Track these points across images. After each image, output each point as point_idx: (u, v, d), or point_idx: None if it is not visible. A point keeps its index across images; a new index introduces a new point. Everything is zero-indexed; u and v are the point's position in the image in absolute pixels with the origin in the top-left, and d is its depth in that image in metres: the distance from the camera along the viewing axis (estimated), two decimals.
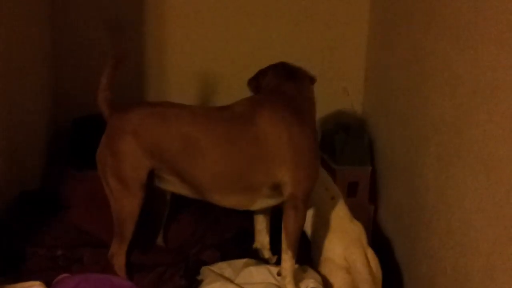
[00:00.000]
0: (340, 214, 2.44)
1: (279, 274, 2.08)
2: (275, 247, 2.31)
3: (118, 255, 2.05)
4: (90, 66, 3.33)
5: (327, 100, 3.47)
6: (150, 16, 3.33)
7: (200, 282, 2.07)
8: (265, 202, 2.13)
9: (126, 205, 2.03)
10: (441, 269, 2.40)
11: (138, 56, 3.36)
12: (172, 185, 2.12)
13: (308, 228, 2.45)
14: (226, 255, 2.21)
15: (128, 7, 3.32)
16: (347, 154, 3.10)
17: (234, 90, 3.35)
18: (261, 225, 2.36)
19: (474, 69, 2.17)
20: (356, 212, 2.65)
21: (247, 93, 3.34)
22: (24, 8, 2.72)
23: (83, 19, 3.29)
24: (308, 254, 2.41)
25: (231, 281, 2.04)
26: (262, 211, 2.34)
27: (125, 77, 3.34)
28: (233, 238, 2.36)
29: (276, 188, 2.05)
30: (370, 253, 2.38)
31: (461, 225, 2.24)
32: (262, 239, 2.37)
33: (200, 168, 2.02)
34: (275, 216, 2.32)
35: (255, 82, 2.40)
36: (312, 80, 2.37)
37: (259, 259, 2.27)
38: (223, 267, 2.14)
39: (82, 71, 3.33)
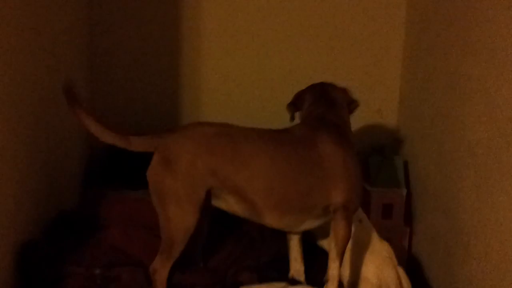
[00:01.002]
0: (370, 235, 2.44)
1: (325, 280, 2.13)
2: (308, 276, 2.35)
3: (162, 272, 2.07)
4: (126, 87, 3.39)
5: (362, 122, 3.47)
6: (186, 37, 3.38)
7: None
8: (312, 222, 2.19)
9: (181, 224, 2.04)
10: None
11: (173, 79, 3.41)
12: (228, 204, 2.14)
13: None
14: (263, 279, 2.21)
15: (164, 28, 3.38)
16: (382, 176, 3.08)
17: (269, 111, 3.39)
18: (296, 252, 2.37)
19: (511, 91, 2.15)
20: (391, 235, 2.64)
21: (281, 115, 3.38)
22: (65, 35, 2.78)
23: (120, 41, 3.35)
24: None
25: None
26: (297, 239, 2.36)
27: (160, 99, 3.42)
28: (270, 262, 2.36)
29: (327, 209, 2.12)
30: (401, 272, 2.36)
31: (499, 250, 2.21)
32: (298, 267, 2.37)
33: (263, 189, 2.06)
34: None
35: (293, 106, 2.48)
36: (352, 104, 2.45)
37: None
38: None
39: (118, 92, 3.39)
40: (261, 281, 2.20)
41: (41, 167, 2.38)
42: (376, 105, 3.49)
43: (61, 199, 2.66)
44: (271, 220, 2.12)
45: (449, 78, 2.75)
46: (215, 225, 2.40)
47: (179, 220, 2.04)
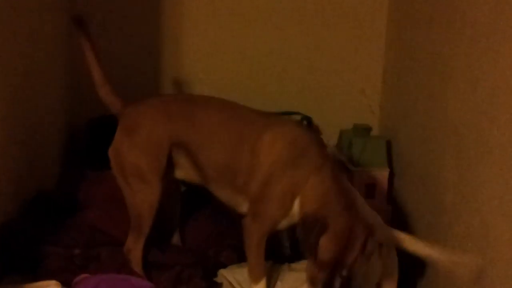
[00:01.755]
0: None
1: None
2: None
3: (135, 250, 2.05)
4: (106, 66, 3.34)
5: (345, 102, 3.46)
6: (166, 14, 3.33)
7: (219, 285, 2.06)
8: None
9: (145, 198, 2.03)
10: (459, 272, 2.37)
11: (155, 55, 3.37)
12: (184, 171, 2.13)
13: None
14: (244, 258, 2.20)
15: (144, 4, 3.33)
16: (365, 156, 3.07)
17: (250, 91, 3.37)
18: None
19: (495, 70, 2.14)
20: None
21: (262, 94, 3.37)
22: (42, 6, 2.72)
23: (99, 18, 3.29)
24: None
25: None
26: None
27: (141, 79, 3.37)
28: None
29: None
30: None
31: (481, 229, 2.21)
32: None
33: (207, 156, 2.05)
34: None
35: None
36: None
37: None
38: (240, 270, 2.13)
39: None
40: (241, 260, 2.18)
41: (19, 147, 2.35)
42: (360, 85, 3.47)
43: (40, 179, 2.63)
44: (214, 190, 2.11)
45: (432, 57, 2.73)
46: (194, 206, 2.39)
47: (143, 193, 2.04)
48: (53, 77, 2.96)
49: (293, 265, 2.24)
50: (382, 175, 3.10)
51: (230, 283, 2.08)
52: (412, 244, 2.34)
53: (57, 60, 3.04)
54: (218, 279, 2.12)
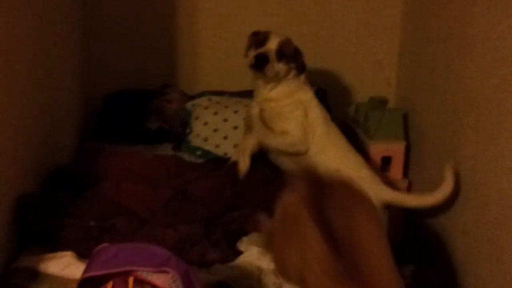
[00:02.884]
0: None
1: None
2: None
3: None
4: (120, 42, 3.34)
5: (361, 74, 3.43)
6: (179, 17, 3.34)
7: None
8: None
9: None
10: (476, 244, 2.36)
11: (170, 27, 3.35)
12: None
13: None
14: None
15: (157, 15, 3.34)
16: (381, 129, 3.05)
17: None
18: None
19: None
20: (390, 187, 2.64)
21: None
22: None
23: (115, 8, 3.29)
24: None
25: None
26: None
27: (157, 49, 3.37)
28: None
29: None
30: None
31: (499, 199, 2.20)
32: None
33: None
34: None
35: None
36: None
37: None
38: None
39: (112, 48, 3.34)
40: None
41: (36, 122, 2.36)
42: (376, 57, 3.44)
43: (58, 153, 2.65)
44: None
45: (450, 28, 2.69)
46: None
47: None
48: (68, 51, 2.97)
49: None
50: (398, 147, 3.08)
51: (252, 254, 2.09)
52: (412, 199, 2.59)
53: (71, 36, 3.04)
54: (241, 246, 2.13)
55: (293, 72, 2.68)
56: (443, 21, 2.78)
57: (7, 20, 2.04)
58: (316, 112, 2.67)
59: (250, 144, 2.58)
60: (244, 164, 2.54)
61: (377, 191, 2.50)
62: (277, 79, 2.64)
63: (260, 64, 2.59)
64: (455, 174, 2.50)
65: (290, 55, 2.66)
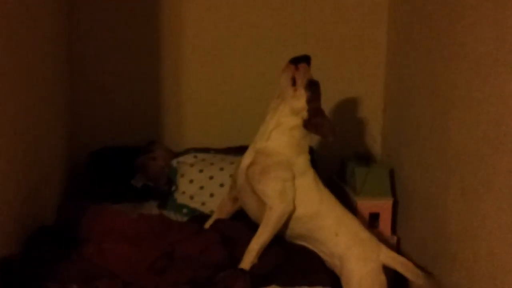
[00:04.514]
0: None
1: None
2: None
3: None
4: (106, 99, 3.34)
5: (346, 130, 3.44)
6: (167, 44, 3.34)
7: None
8: None
9: None
10: None
11: (155, 83, 3.37)
12: None
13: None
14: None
15: (144, 35, 3.34)
16: (368, 185, 3.05)
17: (251, 117, 3.35)
18: None
19: (497, 99, 2.13)
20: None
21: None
22: (42, 42, 2.73)
23: (100, 52, 3.30)
24: None
25: None
26: None
27: (143, 106, 3.36)
28: None
29: None
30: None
31: (488, 257, 2.18)
32: None
33: None
34: None
35: None
36: None
37: None
38: None
39: (97, 104, 3.34)
40: None
41: (20, 181, 2.33)
42: (361, 114, 3.46)
43: (41, 213, 2.61)
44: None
45: (433, 85, 2.72)
46: None
47: None
48: (53, 111, 2.95)
49: None
50: (386, 204, 3.07)
51: None
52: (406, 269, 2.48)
53: (56, 94, 3.03)
54: None
55: (303, 116, 2.56)
56: (427, 79, 2.81)
57: None
58: (307, 180, 2.57)
59: (254, 250, 2.41)
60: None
61: (378, 253, 2.46)
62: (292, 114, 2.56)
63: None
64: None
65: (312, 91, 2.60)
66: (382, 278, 2.43)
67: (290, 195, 2.49)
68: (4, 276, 2.02)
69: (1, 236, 2.10)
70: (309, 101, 2.56)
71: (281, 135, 2.57)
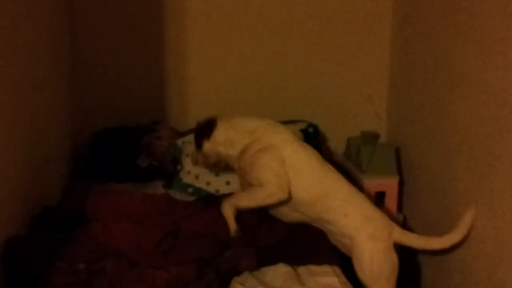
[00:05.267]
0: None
1: None
2: None
3: None
4: (109, 79, 3.32)
5: (352, 109, 3.42)
6: (169, 23, 3.30)
7: None
8: None
9: None
10: (474, 281, 2.32)
11: (158, 63, 3.34)
12: None
13: None
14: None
15: (148, 17, 3.30)
16: (374, 164, 3.03)
17: (256, 100, 3.34)
18: None
19: (504, 74, 2.10)
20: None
21: (268, 102, 3.33)
22: (45, 22, 2.71)
23: (102, 32, 3.27)
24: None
25: None
26: None
27: (146, 85, 3.35)
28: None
29: None
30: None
31: (495, 236, 2.17)
32: None
33: None
34: None
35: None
36: None
37: None
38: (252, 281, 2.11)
39: (101, 84, 3.32)
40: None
41: (24, 162, 2.32)
42: (366, 91, 3.44)
43: (46, 193, 2.60)
44: None
45: (438, 63, 2.70)
46: None
47: None
48: (56, 91, 2.94)
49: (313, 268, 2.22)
50: (392, 182, 3.05)
51: None
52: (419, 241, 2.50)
53: (60, 75, 3.01)
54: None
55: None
56: (432, 55, 2.78)
57: None
58: (296, 155, 2.53)
59: (227, 211, 2.47)
60: (232, 226, 2.45)
61: (389, 231, 2.45)
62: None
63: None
64: (470, 224, 2.37)
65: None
66: (394, 256, 2.43)
67: (285, 181, 2.48)
68: (10, 257, 2.02)
69: (7, 217, 2.10)
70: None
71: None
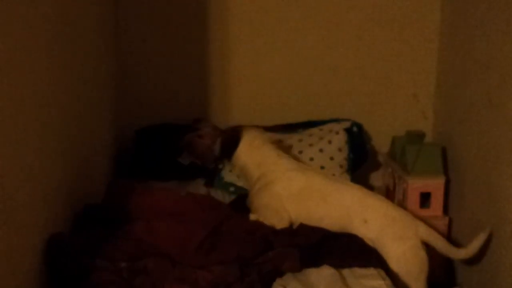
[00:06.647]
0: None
1: None
2: None
3: None
4: (152, 77, 3.32)
5: (397, 108, 3.36)
6: (214, 20, 3.28)
7: None
8: None
9: None
10: None
11: (202, 60, 3.32)
12: None
13: None
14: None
15: (192, 16, 3.29)
16: (419, 164, 2.96)
17: (300, 98, 3.30)
18: None
19: None
20: (429, 225, 2.54)
21: (312, 100, 3.29)
22: (93, 21, 2.73)
23: (147, 31, 3.28)
24: None
25: None
26: None
27: (189, 83, 3.34)
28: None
29: None
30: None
31: None
32: None
33: None
34: None
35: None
36: None
37: None
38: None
39: (144, 83, 3.32)
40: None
41: (68, 161, 2.33)
42: (412, 90, 3.36)
43: (89, 192, 2.61)
44: None
45: (489, 59, 2.61)
46: None
47: None
48: (101, 90, 2.96)
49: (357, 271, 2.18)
50: (438, 183, 2.98)
51: None
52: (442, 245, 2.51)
53: (105, 73, 3.03)
54: None
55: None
56: (483, 52, 2.70)
57: (40, 57, 2.03)
58: (294, 183, 2.58)
59: None
60: None
61: (416, 228, 2.40)
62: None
63: None
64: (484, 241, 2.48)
65: None
66: (423, 254, 2.39)
67: (285, 216, 2.51)
68: (53, 254, 2.03)
69: (50, 215, 2.11)
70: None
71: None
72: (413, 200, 2.93)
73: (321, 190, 2.53)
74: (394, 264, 2.34)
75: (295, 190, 2.55)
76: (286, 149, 2.84)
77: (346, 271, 2.16)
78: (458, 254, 2.55)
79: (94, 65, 2.80)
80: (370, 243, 2.38)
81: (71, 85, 2.39)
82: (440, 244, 2.48)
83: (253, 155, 2.68)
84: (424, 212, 2.87)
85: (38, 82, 2.00)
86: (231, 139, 2.76)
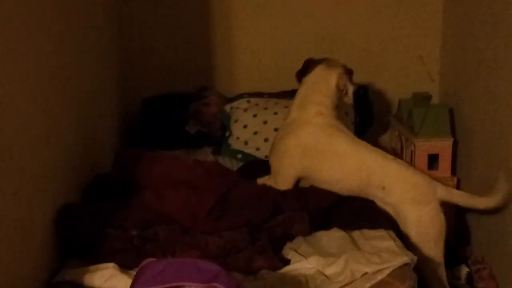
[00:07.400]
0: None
1: None
2: None
3: None
4: (157, 46, 3.31)
5: (403, 70, 3.34)
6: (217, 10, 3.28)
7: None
8: None
9: None
10: None
11: (206, 28, 3.31)
12: None
13: None
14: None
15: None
16: (426, 126, 2.94)
17: (303, 60, 3.28)
18: None
19: None
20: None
21: None
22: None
23: (151, 1, 3.25)
24: None
25: None
26: None
27: (194, 51, 3.32)
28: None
29: None
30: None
31: None
32: None
33: None
34: None
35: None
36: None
37: None
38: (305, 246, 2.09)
39: (149, 52, 3.31)
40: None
41: (75, 130, 2.34)
42: (417, 51, 3.33)
43: (98, 162, 2.63)
44: None
45: (497, 17, 2.58)
46: None
47: None
48: (107, 61, 2.95)
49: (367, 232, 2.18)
50: (445, 144, 2.97)
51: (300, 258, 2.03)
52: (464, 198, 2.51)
53: (110, 44, 3.02)
54: (286, 254, 2.07)
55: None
56: (489, 10, 2.66)
57: (48, 27, 2.02)
58: (318, 137, 2.49)
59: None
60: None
61: (434, 191, 2.40)
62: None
63: None
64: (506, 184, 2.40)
65: None
66: (441, 217, 2.39)
67: (290, 181, 2.49)
68: (64, 224, 2.05)
69: (60, 185, 2.13)
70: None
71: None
72: (421, 162, 2.93)
73: (341, 152, 2.47)
74: (414, 228, 2.34)
75: (312, 145, 2.47)
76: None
77: (356, 233, 2.17)
78: (487, 202, 2.47)
79: (99, 36, 2.79)
80: (389, 207, 2.39)
81: (77, 55, 2.39)
82: (463, 199, 2.48)
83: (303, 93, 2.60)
84: (432, 174, 2.87)
85: (45, 51, 2.00)
86: (309, 62, 2.68)
